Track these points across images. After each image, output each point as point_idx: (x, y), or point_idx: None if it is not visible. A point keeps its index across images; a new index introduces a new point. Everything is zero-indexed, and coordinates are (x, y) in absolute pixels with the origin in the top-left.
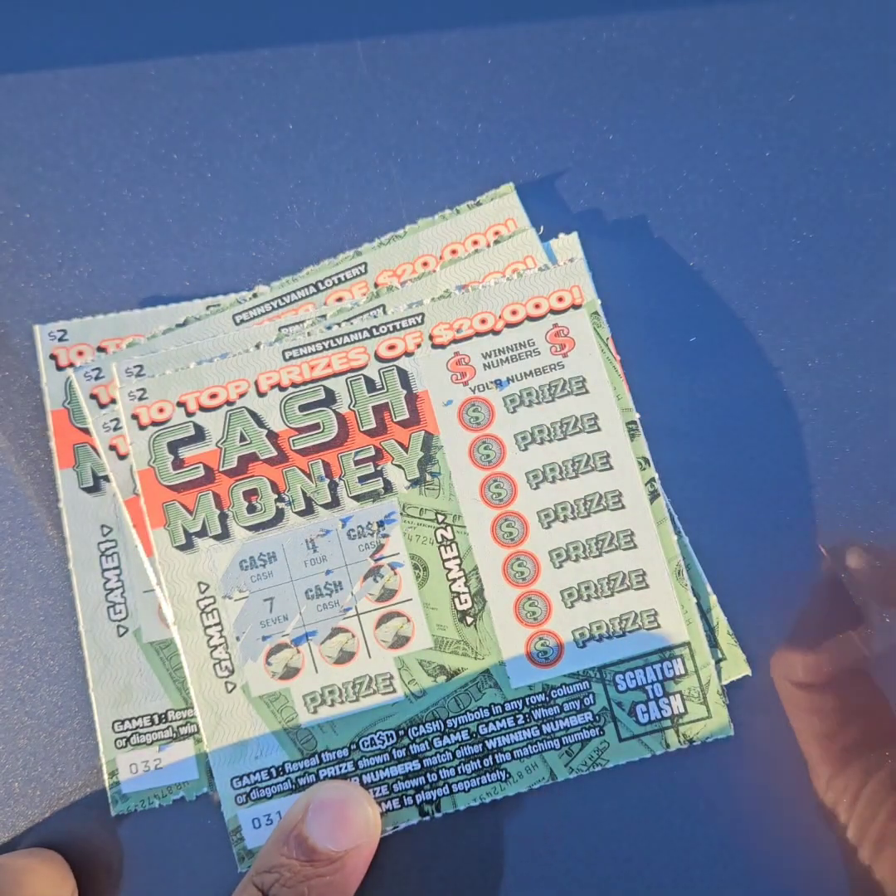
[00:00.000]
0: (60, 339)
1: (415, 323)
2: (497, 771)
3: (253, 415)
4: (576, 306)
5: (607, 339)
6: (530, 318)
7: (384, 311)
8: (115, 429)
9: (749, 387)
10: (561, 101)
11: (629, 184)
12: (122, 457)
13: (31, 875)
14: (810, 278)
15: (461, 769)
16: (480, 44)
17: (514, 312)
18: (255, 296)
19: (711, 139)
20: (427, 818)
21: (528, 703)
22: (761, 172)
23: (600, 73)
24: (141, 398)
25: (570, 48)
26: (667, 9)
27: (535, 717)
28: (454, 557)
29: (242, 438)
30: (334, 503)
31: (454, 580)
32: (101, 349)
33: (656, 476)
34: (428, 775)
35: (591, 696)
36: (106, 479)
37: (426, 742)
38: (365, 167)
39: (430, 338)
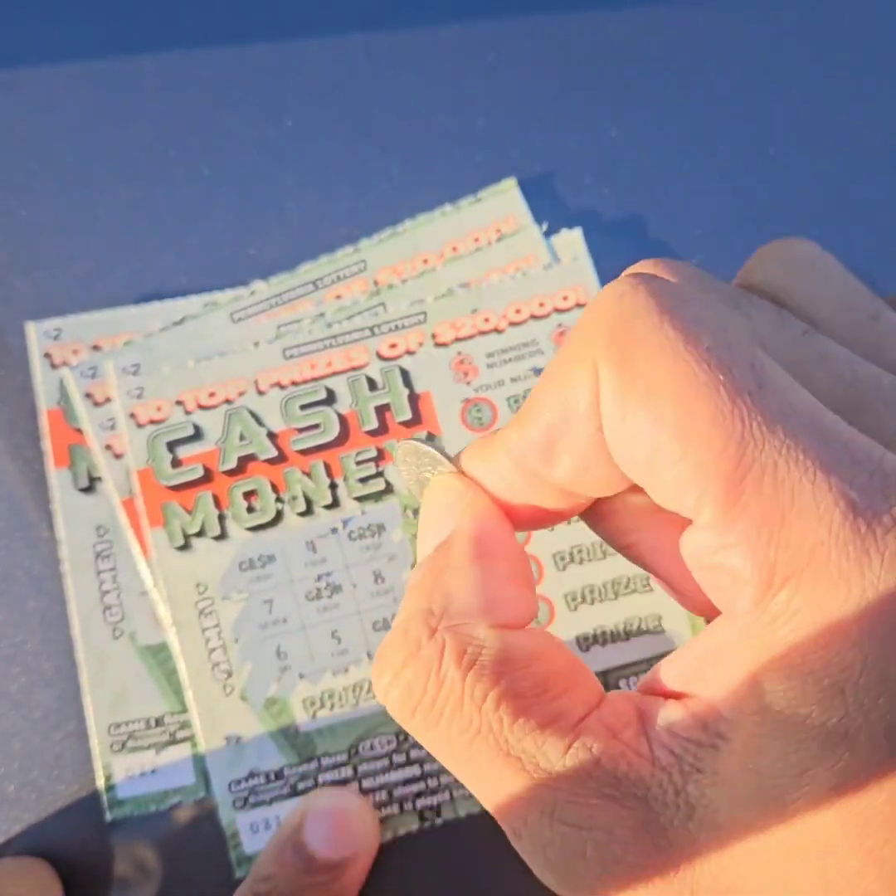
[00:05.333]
0: (55, 338)
1: (417, 321)
2: None
3: (253, 414)
4: (580, 306)
5: None
6: (534, 317)
7: (384, 309)
8: (111, 428)
9: None
10: (563, 96)
11: (631, 180)
12: (117, 457)
13: (13, 882)
14: None
15: None
16: (482, 39)
17: (517, 311)
18: (252, 293)
19: (714, 135)
20: (427, 824)
21: None
22: (764, 169)
23: (603, 68)
24: (138, 396)
25: (573, 43)
26: (670, 4)
27: None
28: None
29: (242, 438)
30: (335, 504)
31: None
32: (95, 347)
33: None
34: (428, 781)
35: None
36: (101, 479)
37: None
38: (364, 163)
39: (432, 337)
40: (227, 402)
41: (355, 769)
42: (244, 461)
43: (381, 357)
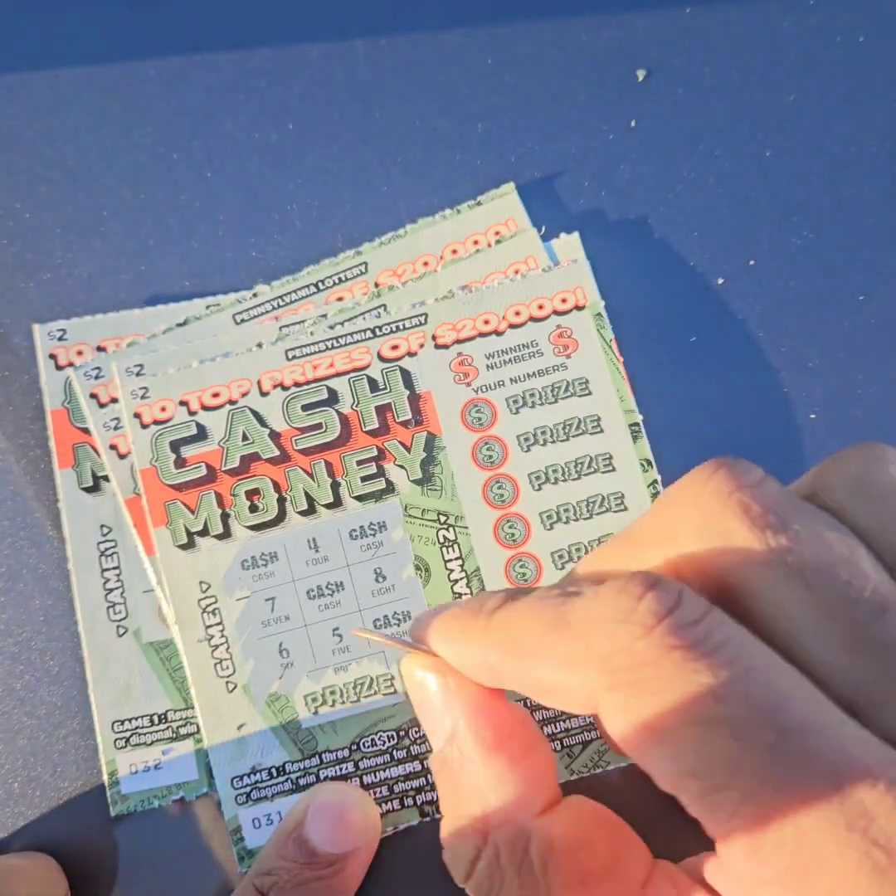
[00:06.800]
0: (60, 339)
1: (418, 323)
2: None
3: (255, 414)
4: (579, 307)
5: (610, 340)
6: (533, 319)
7: (386, 311)
8: (116, 428)
9: (749, 387)
10: (561, 100)
11: (629, 184)
12: (122, 456)
13: (19, 877)
14: (810, 278)
15: None
16: (480, 43)
17: (517, 313)
18: (255, 295)
19: (712, 139)
20: (427, 819)
21: (528, 704)
22: (761, 172)
23: (600, 72)
24: (143, 397)
25: (571, 47)
26: (667, 8)
27: (537, 719)
28: (456, 558)
29: (244, 438)
30: (336, 503)
31: (456, 581)
32: (100, 349)
33: (659, 478)
34: (428, 776)
35: None
36: (105, 478)
37: (427, 743)
38: (365, 167)
39: (433, 338)
40: (231, 402)
41: (356, 765)
42: (247, 461)
43: (382, 358)
